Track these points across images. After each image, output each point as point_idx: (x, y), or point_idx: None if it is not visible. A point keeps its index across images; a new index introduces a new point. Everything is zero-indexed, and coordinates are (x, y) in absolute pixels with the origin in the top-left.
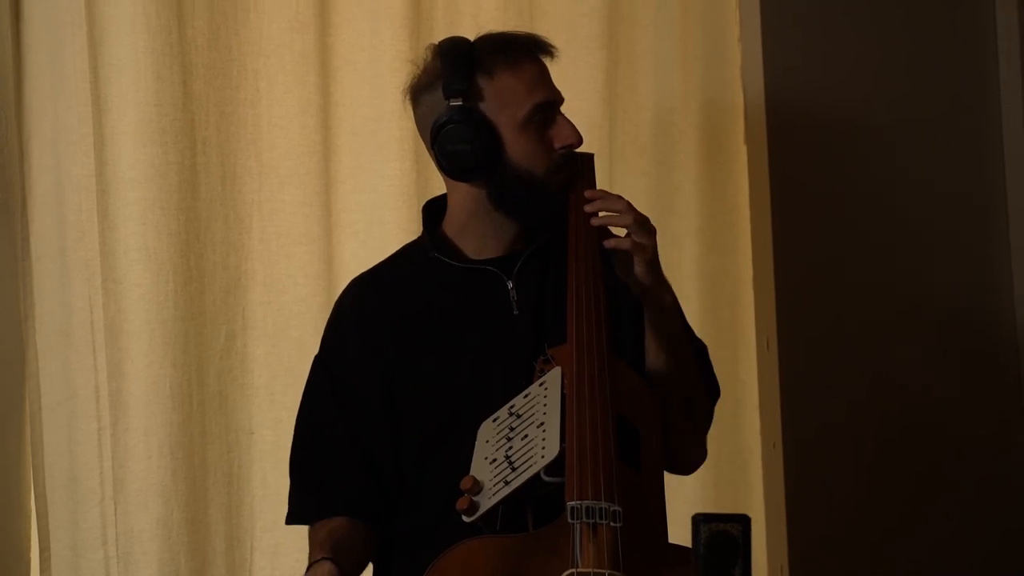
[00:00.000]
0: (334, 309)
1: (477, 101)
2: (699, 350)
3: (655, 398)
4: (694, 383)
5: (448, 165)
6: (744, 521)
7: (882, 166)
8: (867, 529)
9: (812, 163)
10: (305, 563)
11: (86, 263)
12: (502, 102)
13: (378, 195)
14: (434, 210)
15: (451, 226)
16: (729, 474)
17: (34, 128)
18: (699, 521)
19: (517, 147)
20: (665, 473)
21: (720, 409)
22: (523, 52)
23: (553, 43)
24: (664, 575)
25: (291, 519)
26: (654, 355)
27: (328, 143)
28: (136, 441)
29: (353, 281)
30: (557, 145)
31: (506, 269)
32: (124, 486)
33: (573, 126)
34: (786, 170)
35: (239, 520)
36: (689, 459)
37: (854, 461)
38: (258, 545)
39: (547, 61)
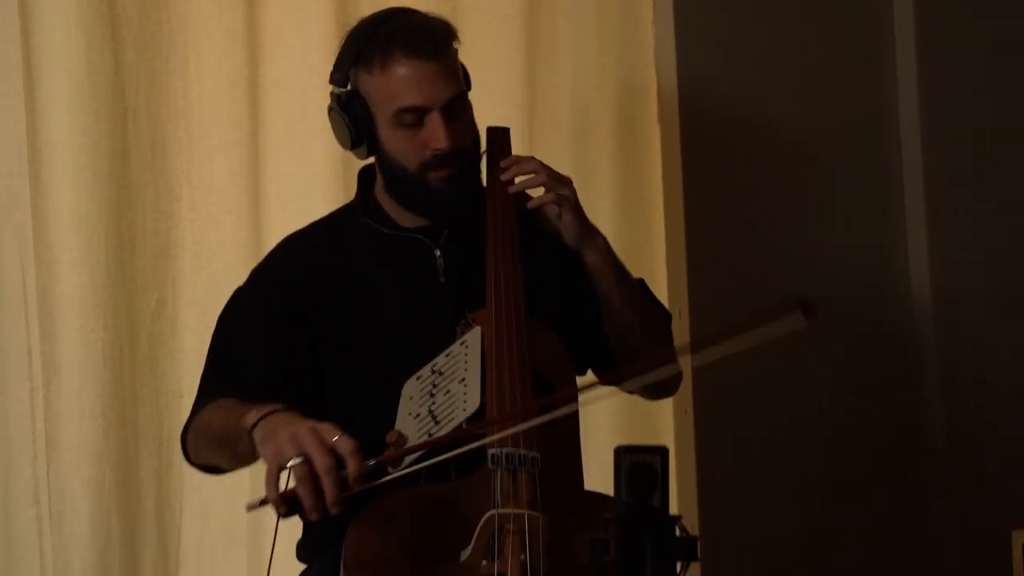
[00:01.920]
0: (263, 260)
1: (357, 89)
2: (640, 282)
3: (569, 355)
4: (649, 309)
5: (341, 144)
6: (663, 453)
7: (788, 146)
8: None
9: (722, 143)
10: (232, 523)
11: (18, 228)
12: (373, 99)
13: (305, 167)
14: (369, 175)
15: (379, 193)
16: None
17: None
18: (621, 452)
19: (389, 142)
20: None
21: None
22: (404, 51)
23: (458, 34)
24: (579, 517)
25: (202, 397)
26: (607, 293)
27: (255, 116)
28: (69, 402)
29: (285, 238)
30: (429, 147)
31: (434, 237)
32: (57, 445)
33: (446, 130)
34: (697, 149)
35: (168, 481)
36: (665, 383)
37: (764, 423)
38: (187, 505)
39: (453, 52)
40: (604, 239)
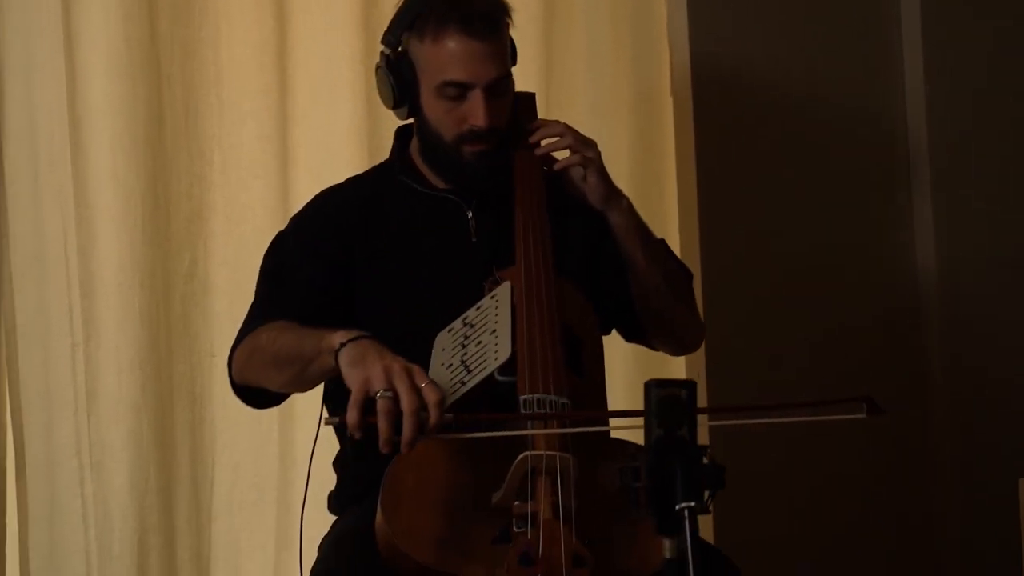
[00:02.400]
0: (301, 210)
1: (407, 53)
2: (661, 242)
3: (595, 313)
4: (672, 268)
5: (383, 102)
6: (690, 386)
7: (798, 118)
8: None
9: (733, 116)
10: (261, 480)
11: (59, 189)
12: (421, 66)
13: (332, 133)
14: (405, 135)
15: (415, 154)
16: None
17: (7, 62)
18: (651, 386)
19: (430, 109)
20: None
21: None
22: (458, 27)
23: (512, 12)
24: (604, 461)
25: (253, 321)
26: (632, 253)
27: (284, 83)
28: (107, 357)
29: (321, 192)
30: (468, 122)
31: (467, 199)
32: (97, 399)
33: (486, 109)
34: (709, 121)
35: (201, 436)
36: (689, 336)
37: (771, 388)
38: (218, 461)
39: (505, 32)
40: (628, 200)
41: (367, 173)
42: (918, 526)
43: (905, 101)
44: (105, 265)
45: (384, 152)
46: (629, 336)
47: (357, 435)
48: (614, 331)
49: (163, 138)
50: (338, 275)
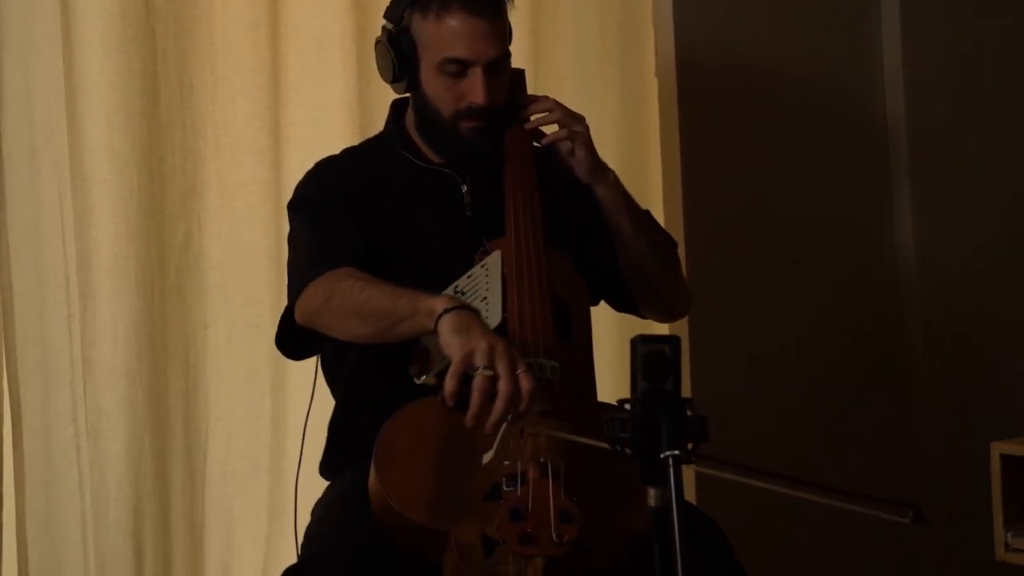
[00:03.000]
0: (303, 179)
1: (409, 28)
2: (647, 213)
3: (584, 282)
4: (658, 237)
5: (381, 75)
6: (674, 342)
7: (782, 99)
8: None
9: (717, 96)
10: (254, 450)
11: (55, 161)
12: (422, 43)
13: (323, 111)
14: (400, 108)
15: (410, 127)
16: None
17: (5, 36)
18: (636, 342)
19: (429, 85)
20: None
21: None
22: (461, 5)
23: None
24: (592, 424)
25: (313, 268)
26: (620, 224)
27: (276, 60)
28: (104, 326)
29: (318, 162)
30: (466, 99)
31: (462, 173)
32: (93, 367)
33: (485, 87)
34: (693, 102)
35: (195, 407)
36: (677, 303)
37: (755, 351)
38: (212, 432)
39: (505, 12)
40: (614, 174)
41: (363, 145)
42: (897, 491)
43: (884, 85)
44: (101, 236)
45: (375, 129)
46: (619, 306)
47: (450, 403)
48: (603, 303)
49: (158, 113)
50: (365, 233)
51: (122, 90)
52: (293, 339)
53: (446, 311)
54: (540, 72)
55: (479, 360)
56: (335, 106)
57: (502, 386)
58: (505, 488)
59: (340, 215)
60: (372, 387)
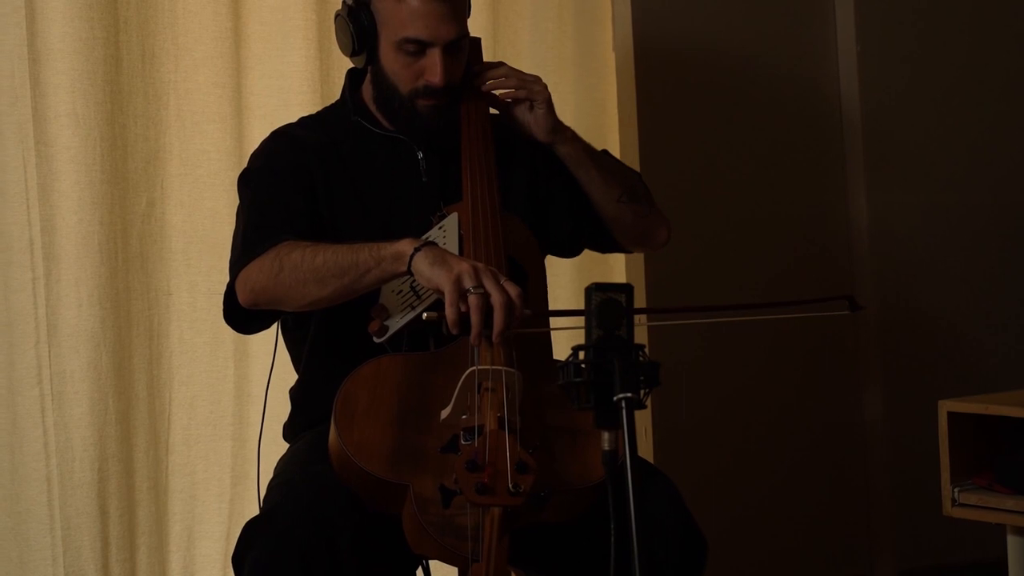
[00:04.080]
0: (259, 147)
1: (368, 5)
2: (605, 152)
3: (539, 245)
4: (625, 174)
5: (341, 49)
6: (628, 290)
7: (736, 73)
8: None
9: (674, 71)
10: (217, 416)
11: (20, 125)
12: (382, 19)
13: (284, 80)
14: (357, 77)
15: (367, 96)
16: None
17: None
18: (591, 290)
19: (387, 62)
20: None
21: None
22: None
23: None
24: (549, 381)
25: (258, 245)
26: (588, 175)
27: (238, 30)
28: (68, 291)
29: (275, 130)
30: (424, 78)
31: (418, 141)
32: (57, 331)
33: (443, 67)
34: (649, 76)
35: (159, 372)
36: (658, 234)
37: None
38: (175, 397)
39: None
40: (572, 130)
41: (319, 114)
42: (848, 446)
43: (838, 61)
44: (65, 202)
45: (336, 98)
46: (603, 249)
47: (456, 330)
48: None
49: (120, 80)
50: (314, 203)
51: (85, 57)
52: (241, 314)
53: (416, 250)
54: (499, 46)
55: (467, 282)
56: (297, 75)
57: (496, 298)
58: (463, 441)
59: (287, 187)
60: (334, 352)
